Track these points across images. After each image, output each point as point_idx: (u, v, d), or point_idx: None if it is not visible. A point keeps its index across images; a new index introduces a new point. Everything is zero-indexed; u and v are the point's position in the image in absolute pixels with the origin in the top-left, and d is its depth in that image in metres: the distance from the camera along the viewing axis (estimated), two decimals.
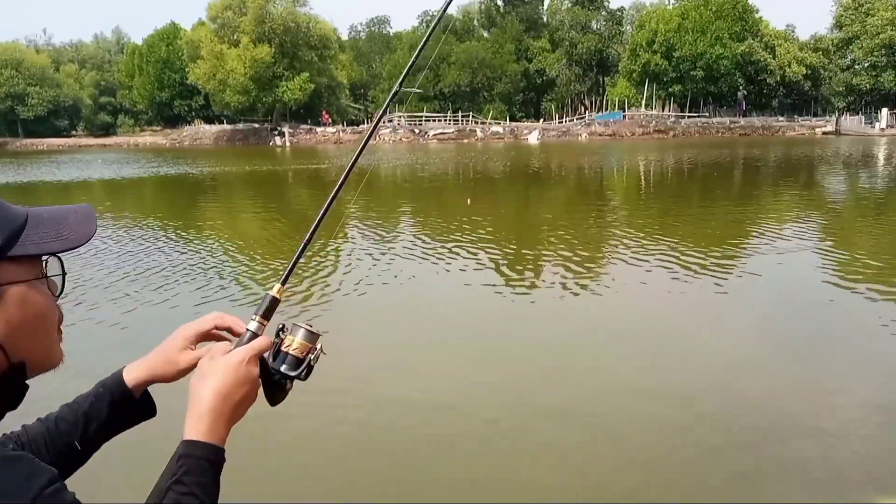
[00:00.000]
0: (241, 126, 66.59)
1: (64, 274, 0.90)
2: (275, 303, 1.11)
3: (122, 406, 1.09)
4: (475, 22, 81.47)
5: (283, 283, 1.14)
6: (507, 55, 72.72)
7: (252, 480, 3.49)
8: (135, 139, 70.52)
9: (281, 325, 1.07)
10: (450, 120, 66.54)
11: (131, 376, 1.10)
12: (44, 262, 0.86)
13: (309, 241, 1.22)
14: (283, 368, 1.04)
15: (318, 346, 1.06)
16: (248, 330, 1.08)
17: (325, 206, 1.21)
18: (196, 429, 0.96)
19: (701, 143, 47.75)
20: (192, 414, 0.97)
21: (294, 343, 1.04)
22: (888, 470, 3.59)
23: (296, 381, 1.04)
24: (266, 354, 1.04)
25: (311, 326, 1.06)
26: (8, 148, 65.87)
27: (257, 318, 1.09)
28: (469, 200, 15.49)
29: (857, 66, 65.13)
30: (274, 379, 1.04)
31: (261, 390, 1.05)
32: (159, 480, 0.93)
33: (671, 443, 3.90)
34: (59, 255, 0.87)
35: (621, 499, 3.39)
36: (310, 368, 1.05)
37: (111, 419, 1.08)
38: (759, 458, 3.66)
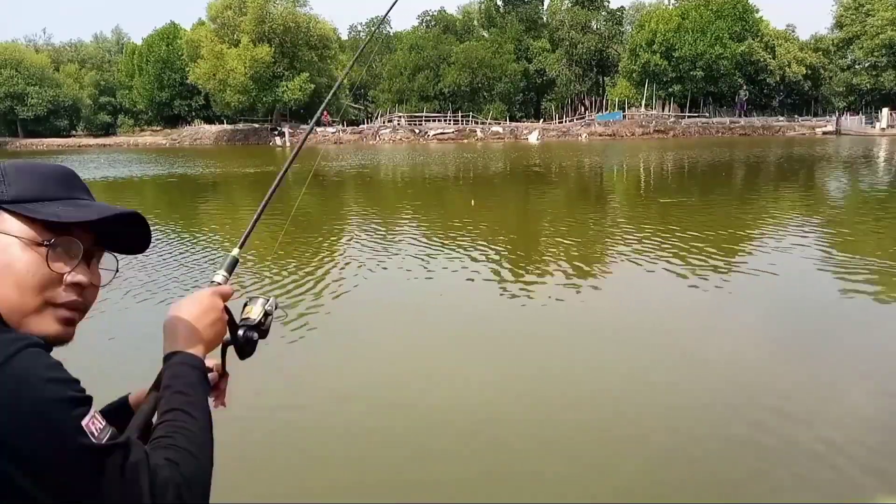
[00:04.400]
0: (241, 126, 66.62)
1: (117, 270, 1.03)
2: (235, 261, 1.24)
3: (116, 412, 1.15)
4: (475, 22, 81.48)
5: (241, 248, 1.29)
6: (507, 55, 72.68)
7: (250, 480, 3.45)
8: (135, 139, 70.52)
9: (246, 301, 1.18)
10: (450, 120, 66.57)
11: (134, 397, 1.18)
12: (53, 236, 0.91)
13: (263, 209, 1.38)
14: (248, 324, 1.14)
15: (274, 312, 1.17)
16: (212, 281, 1.17)
17: (278, 178, 1.45)
18: (173, 346, 1.02)
19: (701, 143, 47.73)
20: (168, 338, 1.04)
21: (255, 310, 1.16)
22: (889, 469, 3.55)
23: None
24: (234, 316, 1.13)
25: (267, 298, 1.18)
26: (7, 148, 65.84)
27: (221, 272, 1.19)
28: (473, 202, 15.43)
29: (857, 66, 65.12)
30: (239, 333, 1.13)
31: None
32: (147, 396, 1.03)
33: (670, 442, 3.87)
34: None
35: (621, 498, 3.35)
36: (267, 328, 1.16)
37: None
38: (759, 457, 3.63)
